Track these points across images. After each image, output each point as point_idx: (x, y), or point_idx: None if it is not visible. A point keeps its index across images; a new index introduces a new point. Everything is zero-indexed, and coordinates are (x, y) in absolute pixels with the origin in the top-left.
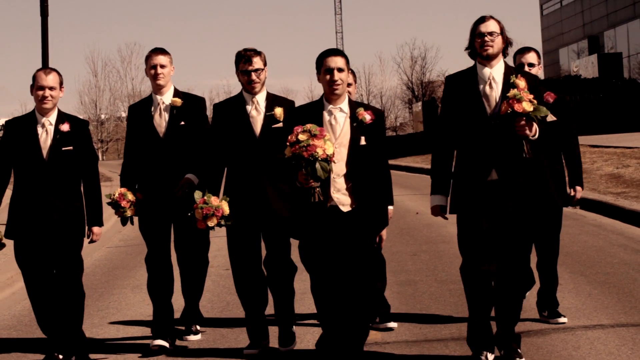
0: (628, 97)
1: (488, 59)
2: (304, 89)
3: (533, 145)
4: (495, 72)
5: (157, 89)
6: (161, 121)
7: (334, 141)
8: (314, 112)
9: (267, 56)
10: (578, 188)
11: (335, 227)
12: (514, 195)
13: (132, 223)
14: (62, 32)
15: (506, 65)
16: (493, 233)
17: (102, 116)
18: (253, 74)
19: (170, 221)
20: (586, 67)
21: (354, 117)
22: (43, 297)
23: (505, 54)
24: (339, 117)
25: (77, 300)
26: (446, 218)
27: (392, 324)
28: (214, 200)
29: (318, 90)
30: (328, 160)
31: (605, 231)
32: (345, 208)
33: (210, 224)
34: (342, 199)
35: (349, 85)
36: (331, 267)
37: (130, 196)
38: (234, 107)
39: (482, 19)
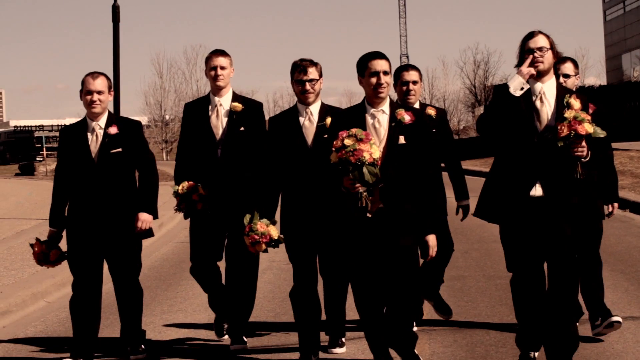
0: None
1: (539, 75)
2: None
3: (584, 166)
4: (546, 87)
5: (217, 90)
6: (218, 123)
7: (379, 144)
8: (356, 116)
9: (332, 59)
10: (615, 204)
11: (380, 229)
12: (564, 214)
13: (196, 215)
14: (129, 35)
15: (558, 83)
16: (537, 250)
17: (167, 117)
18: (307, 84)
19: (225, 228)
20: None
21: (392, 118)
22: (86, 302)
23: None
24: (382, 120)
25: (134, 299)
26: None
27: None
28: (260, 227)
29: None
30: (375, 164)
31: None
32: (385, 209)
33: (259, 249)
34: (382, 200)
35: (414, 83)
36: (373, 271)
37: (200, 190)
38: (288, 119)
39: (531, 35)
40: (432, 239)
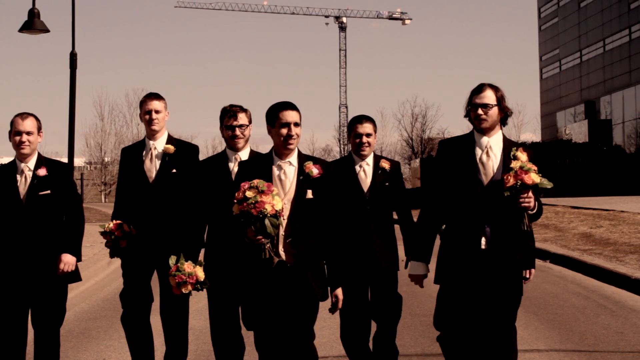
0: (613, 163)
1: (484, 131)
2: (306, 140)
3: (531, 218)
4: (493, 141)
5: (151, 134)
6: (151, 167)
7: (283, 196)
8: (263, 167)
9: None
10: (532, 271)
11: (282, 282)
12: (507, 267)
13: (121, 256)
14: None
15: (504, 137)
16: (477, 306)
17: (106, 159)
18: (237, 129)
19: (153, 267)
20: (578, 132)
21: (301, 171)
22: (11, 347)
23: (504, 123)
24: (289, 172)
25: (53, 350)
26: (422, 286)
27: None
28: (187, 267)
29: (320, 142)
30: (277, 215)
31: (565, 281)
32: (292, 263)
33: (185, 290)
34: (289, 254)
35: (368, 135)
36: (274, 323)
37: (125, 227)
38: (217, 164)
39: (479, 89)
40: (339, 293)
